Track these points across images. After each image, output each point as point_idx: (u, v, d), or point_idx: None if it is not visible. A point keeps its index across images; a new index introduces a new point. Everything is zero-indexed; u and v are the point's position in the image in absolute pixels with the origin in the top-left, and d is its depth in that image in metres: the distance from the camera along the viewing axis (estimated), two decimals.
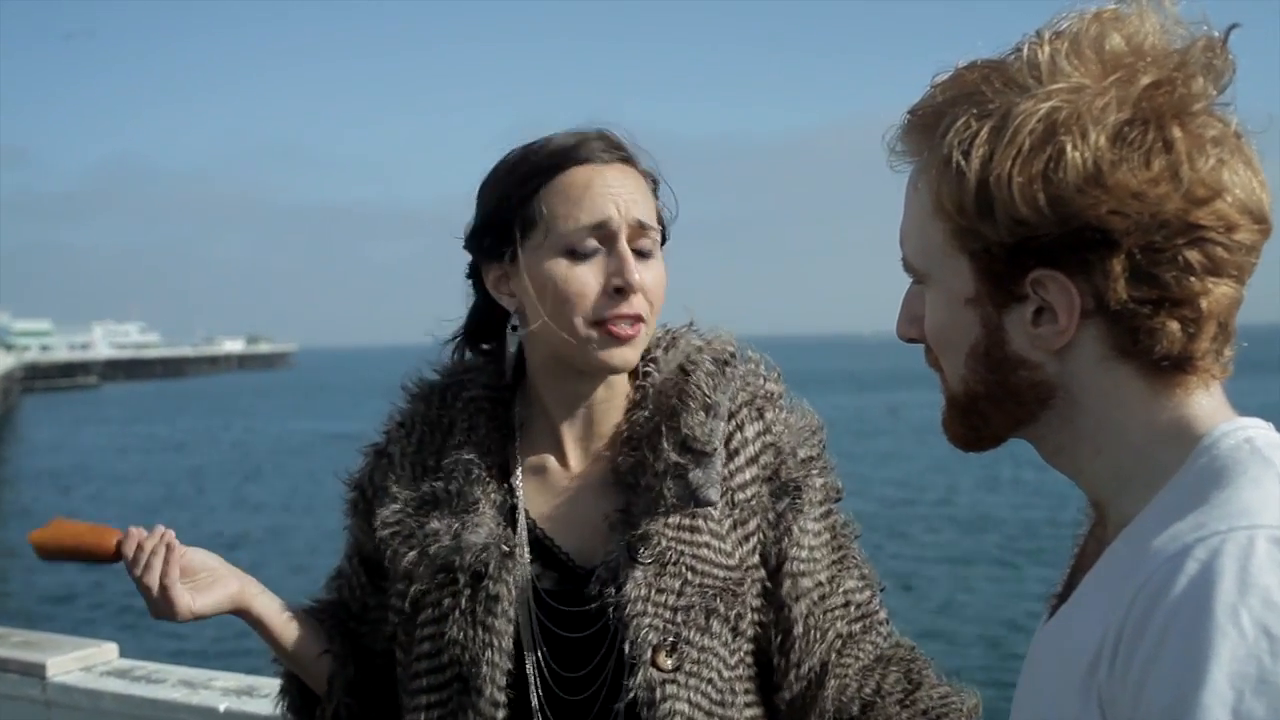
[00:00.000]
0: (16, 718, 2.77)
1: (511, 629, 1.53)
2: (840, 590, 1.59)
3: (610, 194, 1.51)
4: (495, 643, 1.52)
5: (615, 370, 1.56)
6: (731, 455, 1.57)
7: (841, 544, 1.62)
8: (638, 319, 1.52)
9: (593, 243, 1.51)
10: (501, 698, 1.52)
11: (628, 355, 1.54)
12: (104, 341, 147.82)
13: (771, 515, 1.57)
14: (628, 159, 1.56)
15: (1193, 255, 0.92)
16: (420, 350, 1.70)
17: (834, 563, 1.60)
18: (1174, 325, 0.94)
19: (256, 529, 22.67)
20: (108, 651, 2.94)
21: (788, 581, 1.56)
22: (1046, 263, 0.95)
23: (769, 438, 1.59)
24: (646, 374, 1.60)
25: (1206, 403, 0.99)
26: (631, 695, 1.47)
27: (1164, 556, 0.88)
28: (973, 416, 1.04)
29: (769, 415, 1.60)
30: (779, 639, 1.57)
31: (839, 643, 1.57)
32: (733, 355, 1.62)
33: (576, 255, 1.51)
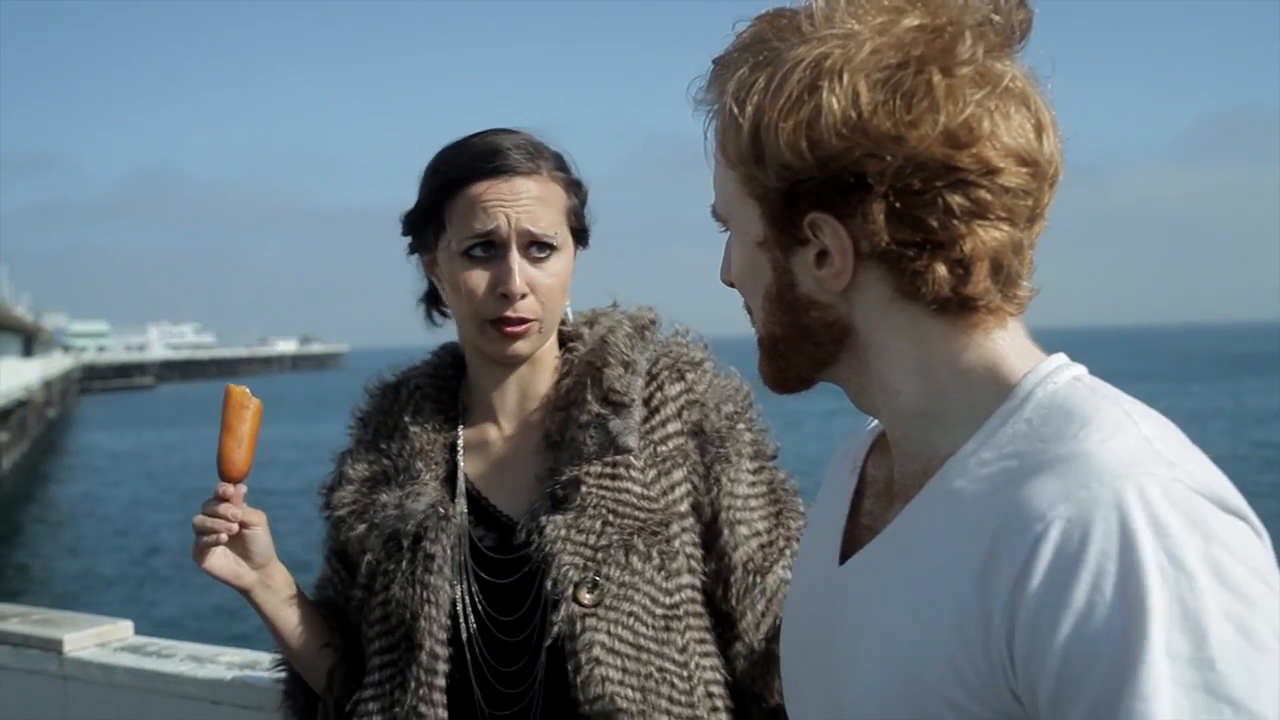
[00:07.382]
0: (35, 690, 2.87)
1: (448, 586, 1.62)
2: (781, 538, 1.67)
3: (503, 206, 1.62)
4: (432, 598, 1.61)
5: (509, 361, 1.69)
6: (653, 412, 1.66)
7: (779, 498, 1.70)
8: (524, 320, 1.63)
9: (482, 249, 1.63)
10: (442, 651, 1.61)
11: (519, 348, 1.66)
12: (160, 342, 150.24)
13: (700, 468, 1.65)
14: (535, 170, 1.65)
15: (954, 198, 0.94)
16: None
17: (772, 514, 1.68)
18: (940, 268, 0.96)
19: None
20: (123, 629, 3.04)
21: (725, 531, 1.64)
22: (817, 206, 0.97)
23: (691, 395, 1.68)
24: (573, 348, 1.72)
25: (1009, 342, 1.01)
26: (555, 630, 1.56)
27: (1057, 512, 0.86)
28: (776, 358, 1.07)
29: (690, 377, 1.69)
30: (722, 588, 1.65)
31: (783, 589, 1.63)
32: (652, 323, 1.73)
33: (471, 259, 1.64)
